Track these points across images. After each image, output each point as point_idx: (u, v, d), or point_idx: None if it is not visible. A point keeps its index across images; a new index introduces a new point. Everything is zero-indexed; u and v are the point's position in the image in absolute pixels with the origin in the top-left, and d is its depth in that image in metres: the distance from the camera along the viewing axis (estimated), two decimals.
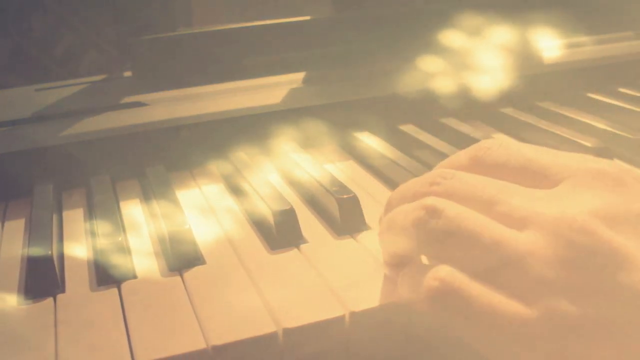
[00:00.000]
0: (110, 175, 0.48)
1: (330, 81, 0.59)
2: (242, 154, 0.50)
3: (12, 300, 0.34)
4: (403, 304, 0.31)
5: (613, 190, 0.28)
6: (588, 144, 0.49)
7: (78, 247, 0.40)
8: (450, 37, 0.65)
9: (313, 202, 0.44)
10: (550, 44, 0.67)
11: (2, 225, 0.44)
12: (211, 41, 0.62)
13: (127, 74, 0.63)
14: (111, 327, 0.31)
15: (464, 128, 0.54)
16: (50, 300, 0.34)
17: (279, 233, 0.39)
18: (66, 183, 0.48)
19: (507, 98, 0.58)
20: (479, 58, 0.62)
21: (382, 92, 0.56)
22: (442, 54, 0.62)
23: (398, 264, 0.34)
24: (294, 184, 0.47)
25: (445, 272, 0.28)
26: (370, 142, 0.52)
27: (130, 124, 0.50)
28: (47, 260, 0.36)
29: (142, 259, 0.38)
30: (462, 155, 0.33)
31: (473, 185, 0.30)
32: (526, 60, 0.63)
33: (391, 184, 0.47)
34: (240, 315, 0.31)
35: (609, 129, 0.52)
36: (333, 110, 0.54)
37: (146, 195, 0.47)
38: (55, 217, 0.43)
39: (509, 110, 0.58)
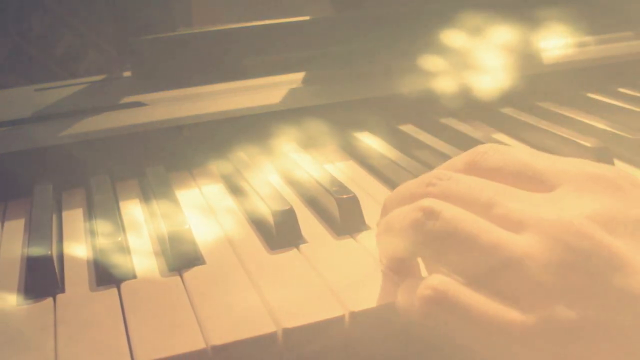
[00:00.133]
0: (110, 175, 0.48)
1: (330, 81, 0.59)
2: (241, 154, 0.50)
3: (11, 300, 0.34)
4: (401, 316, 0.31)
5: (611, 195, 0.28)
6: (588, 144, 0.49)
7: (78, 247, 0.40)
8: (450, 37, 0.65)
9: (313, 202, 0.44)
10: (550, 44, 0.67)
11: (2, 225, 0.44)
12: (211, 41, 0.62)
13: (127, 74, 0.63)
14: (111, 327, 0.31)
15: (464, 128, 0.54)
16: (49, 300, 0.34)
17: (279, 233, 0.39)
18: (66, 183, 0.48)
19: (507, 98, 0.58)
20: (479, 58, 0.62)
21: (382, 92, 0.56)
22: (442, 54, 0.62)
23: (396, 268, 0.34)
24: (294, 184, 0.47)
25: (437, 281, 0.28)
26: (370, 142, 0.52)
27: (129, 124, 0.50)
28: (46, 260, 0.36)
29: (141, 259, 0.38)
30: (458, 160, 0.33)
31: (470, 187, 0.30)
32: (526, 60, 0.63)
33: (391, 184, 0.47)
34: (240, 315, 0.31)
35: (608, 129, 0.52)
36: (333, 110, 0.54)
37: (146, 195, 0.47)
38: (55, 217, 0.43)
39: (508, 110, 0.58)
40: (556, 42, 0.68)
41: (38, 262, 0.36)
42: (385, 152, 0.49)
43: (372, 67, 0.63)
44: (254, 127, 0.52)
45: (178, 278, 0.36)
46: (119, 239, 0.38)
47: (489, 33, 0.66)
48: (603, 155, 0.47)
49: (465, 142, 0.51)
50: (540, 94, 0.61)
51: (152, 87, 0.58)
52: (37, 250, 0.36)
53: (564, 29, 0.69)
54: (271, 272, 0.36)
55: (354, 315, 0.31)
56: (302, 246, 0.38)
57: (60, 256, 0.39)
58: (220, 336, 0.30)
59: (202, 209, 0.44)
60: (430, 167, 0.40)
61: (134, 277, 0.36)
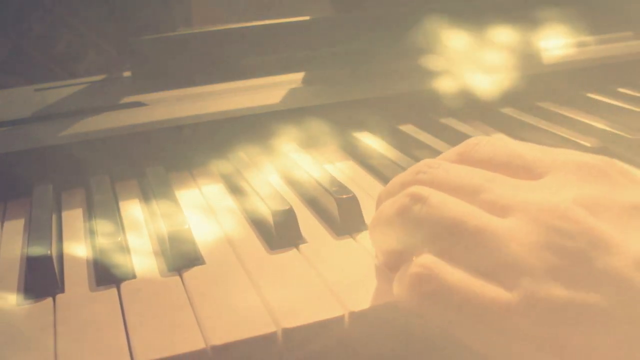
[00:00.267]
0: (110, 175, 0.48)
1: (330, 81, 0.60)
2: (241, 154, 0.51)
3: (11, 300, 0.34)
4: (398, 302, 0.31)
5: (597, 182, 0.28)
6: (587, 144, 0.49)
7: (77, 247, 0.40)
8: (450, 37, 0.65)
9: (312, 202, 0.44)
10: (549, 43, 0.67)
11: (2, 225, 0.44)
12: (211, 41, 0.62)
13: (127, 74, 0.63)
14: (110, 327, 0.31)
15: (464, 128, 0.54)
16: (49, 300, 0.34)
17: (279, 233, 0.39)
18: (66, 183, 0.48)
19: (507, 98, 0.58)
20: (479, 58, 0.62)
21: (381, 92, 0.56)
22: (442, 54, 0.62)
23: (391, 263, 0.34)
24: (294, 184, 0.47)
25: (427, 260, 0.28)
26: (369, 142, 0.52)
27: (129, 124, 0.50)
28: (46, 260, 0.36)
29: (141, 259, 0.38)
30: (451, 152, 0.34)
31: (459, 174, 0.30)
32: (526, 60, 0.63)
33: None
34: (240, 315, 0.31)
35: (608, 129, 0.52)
36: (333, 110, 0.54)
37: (145, 195, 0.47)
38: (54, 217, 0.43)
39: (508, 110, 0.58)
40: (556, 42, 0.68)
41: (38, 262, 0.36)
42: (385, 152, 0.49)
43: (372, 67, 0.63)
44: (254, 127, 0.52)
45: (178, 278, 0.36)
46: (119, 239, 0.38)
47: (489, 33, 0.66)
48: (602, 155, 0.47)
49: None
50: (540, 94, 0.61)
51: (152, 87, 0.58)
52: (36, 250, 0.36)
53: (564, 29, 0.69)
54: (271, 272, 0.36)
55: (353, 315, 0.31)
56: (301, 246, 0.38)
57: (60, 256, 0.39)
58: (220, 336, 0.30)
59: (202, 209, 0.44)
60: None
61: (134, 277, 0.36)
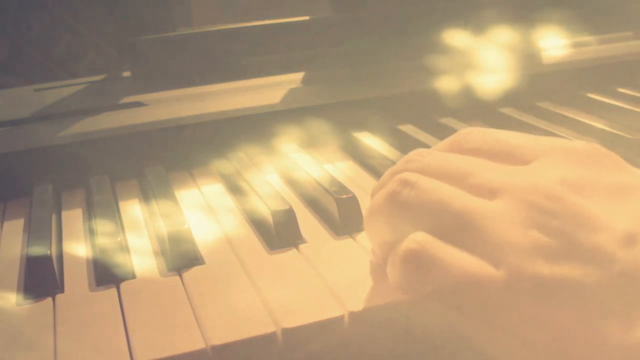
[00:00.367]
0: (110, 175, 0.48)
1: (330, 81, 0.60)
2: (241, 154, 0.51)
3: (11, 300, 0.34)
4: (392, 286, 0.31)
5: (583, 165, 0.29)
6: None
7: (77, 247, 0.40)
8: (450, 37, 0.65)
9: (312, 202, 0.44)
10: (549, 44, 0.67)
11: (1, 225, 0.44)
12: (211, 41, 0.62)
13: (126, 74, 0.63)
14: (110, 327, 0.31)
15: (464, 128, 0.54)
16: (49, 300, 0.34)
17: (278, 233, 0.39)
18: (65, 183, 0.48)
19: (507, 98, 0.58)
20: (478, 58, 0.62)
21: (381, 92, 0.56)
22: (442, 54, 0.62)
23: (385, 257, 0.34)
24: (293, 184, 0.47)
25: (420, 237, 0.28)
26: (369, 142, 0.52)
27: (129, 124, 0.50)
28: (46, 260, 0.36)
29: (141, 258, 0.38)
30: (442, 143, 0.34)
31: (447, 161, 0.31)
32: (525, 60, 0.63)
33: None
34: (240, 315, 0.31)
35: (607, 129, 0.52)
36: (332, 110, 0.54)
37: (145, 196, 0.47)
38: (54, 217, 0.43)
39: (508, 110, 0.58)
40: (556, 42, 0.68)
41: (37, 262, 0.36)
42: (385, 152, 0.49)
43: (372, 67, 0.63)
44: (253, 127, 0.52)
45: (177, 278, 0.36)
46: (119, 239, 0.38)
47: (489, 33, 0.66)
48: None
49: None
50: (539, 94, 0.61)
51: (151, 87, 0.58)
52: (36, 250, 0.36)
53: (564, 29, 0.69)
54: (271, 272, 0.36)
55: (353, 315, 0.31)
56: (301, 246, 0.38)
57: (60, 256, 0.39)
58: (220, 336, 0.30)
59: (202, 209, 0.44)
60: None
61: (134, 277, 0.36)
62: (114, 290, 0.35)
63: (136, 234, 0.41)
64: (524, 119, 0.56)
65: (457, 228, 0.28)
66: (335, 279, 0.34)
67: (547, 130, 0.53)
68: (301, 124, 0.53)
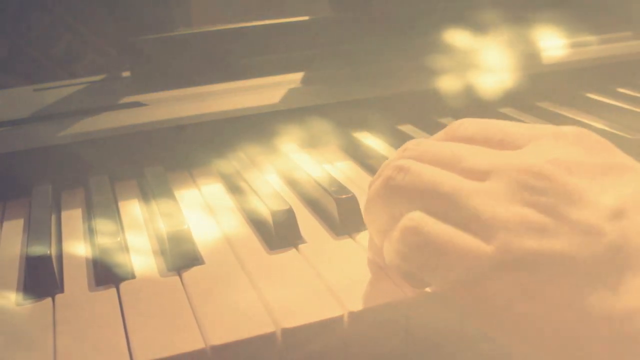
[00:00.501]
0: (109, 175, 0.48)
1: (330, 81, 0.60)
2: (241, 154, 0.51)
3: (11, 300, 0.34)
4: (388, 269, 0.32)
5: (572, 146, 0.30)
6: None
7: (77, 247, 0.40)
8: (449, 37, 0.65)
9: (312, 202, 0.44)
10: (549, 44, 0.67)
11: (1, 225, 0.44)
12: (211, 41, 0.62)
13: (126, 74, 0.63)
14: (110, 327, 0.31)
15: None
16: (49, 300, 0.34)
17: (278, 233, 0.39)
18: (65, 183, 0.48)
19: (506, 98, 0.58)
20: (478, 58, 0.62)
21: (381, 92, 0.56)
22: (441, 54, 0.62)
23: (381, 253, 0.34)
24: (293, 184, 0.47)
25: (417, 215, 0.29)
26: (369, 142, 0.52)
27: (128, 124, 0.50)
28: (45, 260, 0.36)
29: (140, 259, 0.38)
30: (438, 134, 0.36)
31: (442, 148, 0.32)
32: (525, 60, 0.63)
33: None
34: (239, 315, 0.31)
35: (607, 129, 0.52)
36: (332, 111, 0.54)
37: (145, 196, 0.47)
38: (54, 217, 0.43)
39: (507, 110, 0.58)
40: (555, 42, 0.68)
41: (37, 262, 0.36)
42: (385, 152, 0.49)
43: (372, 67, 0.63)
44: (253, 127, 0.52)
45: (177, 278, 0.36)
46: (118, 239, 0.38)
47: (488, 33, 0.66)
48: None
49: None
50: (539, 94, 0.61)
51: (151, 87, 0.58)
52: (36, 250, 0.36)
53: (563, 29, 0.69)
54: (270, 272, 0.36)
55: (352, 315, 0.31)
56: (301, 246, 0.38)
57: (60, 256, 0.39)
58: (220, 336, 0.30)
59: (202, 209, 0.44)
60: None
61: (133, 277, 0.36)
62: (113, 290, 0.35)
63: (136, 234, 0.41)
64: (524, 119, 0.56)
65: (449, 208, 0.29)
66: (335, 279, 0.34)
67: None
68: (301, 124, 0.53)
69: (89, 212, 0.44)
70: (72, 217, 0.44)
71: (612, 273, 0.25)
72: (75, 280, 0.36)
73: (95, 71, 0.65)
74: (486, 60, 0.62)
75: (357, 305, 0.32)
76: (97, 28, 0.65)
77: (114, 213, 0.42)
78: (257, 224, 0.41)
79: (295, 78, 0.60)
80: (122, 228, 0.42)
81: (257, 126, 0.52)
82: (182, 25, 0.64)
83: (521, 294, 0.26)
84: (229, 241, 0.40)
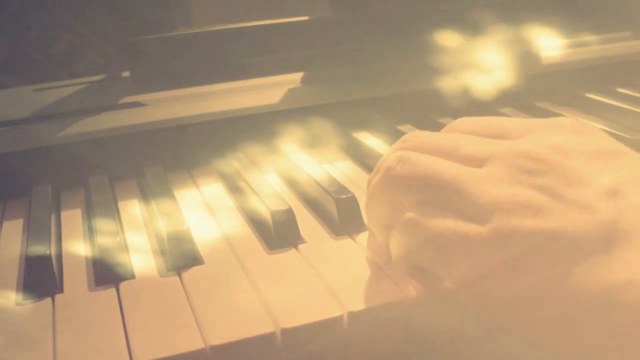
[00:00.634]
0: (109, 175, 0.48)
1: (329, 81, 0.60)
2: (240, 154, 0.51)
3: (10, 300, 0.34)
4: (396, 262, 0.32)
5: (567, 133, 0.31)
6: None
7: (76, 247, 0.40)
8: (449, 38, 0.65)
9: (312, 202, 0.44)
10: (548, 44, 0.67)
11: (1, 225, 0.44)
12: (211, 41, 0.62)
13: (126, 74, 0.63)
14: (109, 327, 0.31)
15: None
16: (48, 300, 0.34)
17: (278, 233, 0.39)
18: (65, 183, 0.48)
19: (506, 98, 0.59)
20: (478, 58, 0.62)
21: (380, 92, 0.56)
22: (441, 54, 0.62)
23: (380, 251, 0.35)
24: (293, 184, 0.47)
25: (419, 208, 0.30)
26: (368, 142, 0.52)
27: (128, 124, 0.50)
28: (45, 260, 0.36)
29: (140, 258, 0.38)
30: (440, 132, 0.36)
31: (440, 138, 0.32)
32: (524, 60, 0.63)
33: None
34: (239, 315, 0.31)
35: (607, 129, 0.52)
36: (332, 111, 0.54)
37: (144, 196, 0.47)
38: (53, 217, 0.43)
39: (507, 110, 0.58)
40: (555, 42, 0.68)
41: (37, 262, 0.36)
42: (385, 152, 0.49)
43: (372, 67, 0.63)
44: (253, 127, 0.52)
45: (177, 278, 0.36)
46: (118, 239, 0.38)
47: (488, 33, 0.66)
48: None
49: None
50: (539, 94, 0.61)
51: (151, 87, 0.58)
52: (36, 250, 0.36)
53: (563, 29, 0.69)
54: (270, 272, 0.36)
55: (352, 315, 0.31)
56: (300, 246, 0.38)
57: (59, 256, 0.39)
58: (219, 336, 0.30)
59: (201, 209, 0.44)
60: None
61: (133, 277, 0.36)
62: (113, 290, 0.35)
63: (135, 234, 0.41)
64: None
65: (447, 195, 0.29)
66: (335, 279, 0.34)
67: None
68: (301, 124, 0.53)
69: (89, 212, 0.44)
70: (72, 217, 0.44)
71: (605, 248, 0.26)
72: (75, 280, 0.36)
73: (95, 71, 0.65)
74: (486, 60, 0.62)
75: (357, 305, 0.32)
76: (97, 28, 0.65)
77: (113, 213, 0.42)
78: (256, 224, 0.41)
79: (295, 78, 0.60)
80: (122, 228, 0.42)
81: (257, 126, 0.52)
82: (182, 25, 0.64)
83: (518, 272, 0.27)
84: (229, 241, 0.40)
